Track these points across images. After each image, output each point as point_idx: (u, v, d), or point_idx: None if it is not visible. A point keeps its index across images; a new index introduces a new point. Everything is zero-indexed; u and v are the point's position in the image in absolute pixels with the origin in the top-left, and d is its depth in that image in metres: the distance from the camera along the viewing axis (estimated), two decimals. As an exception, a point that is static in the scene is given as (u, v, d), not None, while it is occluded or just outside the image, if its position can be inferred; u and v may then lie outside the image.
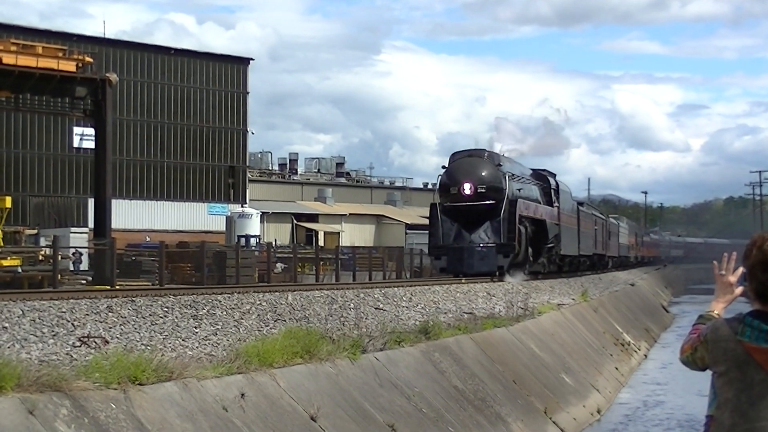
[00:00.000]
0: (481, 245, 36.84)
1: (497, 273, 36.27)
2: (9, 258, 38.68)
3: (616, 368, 29.71)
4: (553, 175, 48.14)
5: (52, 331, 13.72)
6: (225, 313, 17.70)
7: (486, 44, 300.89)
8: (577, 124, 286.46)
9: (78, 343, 12.87)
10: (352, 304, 21.47)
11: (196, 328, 15.72)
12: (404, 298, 24.49)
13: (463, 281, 32.55)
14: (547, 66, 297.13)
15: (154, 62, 70.07)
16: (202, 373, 10.96)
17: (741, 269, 4.86)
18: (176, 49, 72.61)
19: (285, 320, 17.80)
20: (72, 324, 14.51)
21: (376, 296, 23.83)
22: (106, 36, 68.50)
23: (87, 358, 11.05)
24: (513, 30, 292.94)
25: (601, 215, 67.20)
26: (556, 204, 45.87)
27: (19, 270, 37.92)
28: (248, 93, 75.16)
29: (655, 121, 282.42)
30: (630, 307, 45.97)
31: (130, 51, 68.92)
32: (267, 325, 16.96)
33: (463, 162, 38.54)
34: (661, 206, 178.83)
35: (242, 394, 11.08)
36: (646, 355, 36.73)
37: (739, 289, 4.95)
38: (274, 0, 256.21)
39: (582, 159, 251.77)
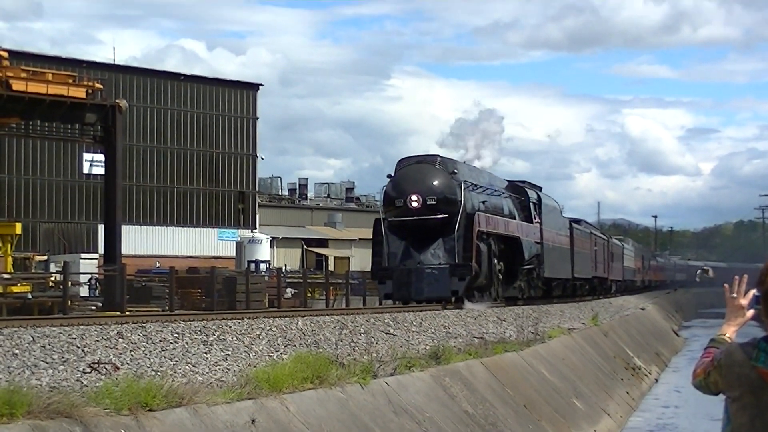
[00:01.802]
0: (432, 267, 32.03)
1: (452, 299, 31.81)
2: (19, 284, 38.76)
3: (627, 392, 29.60)
4: (538, 188, 43.97)
5: (63, 358, 13.71)
6: (235, 338, 17.68)
7: (496, 69, 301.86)
8: (587, 148, 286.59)
9: (88, 369, 12.85)
10: (362, 329, 21.43)
11: (206, 353, 15.69)
12: (414, 323, 24.44)
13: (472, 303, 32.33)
14: (557, 90, 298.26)
15: (164, 88, 70.38)
16: (213, 398, 10.93)
17: (752, 292, 4.83)
18: (185, 75, 73.01)
19: (295, 345, 17.77)
20: (82, 350, 14.50)
21: (386, 321, 23.78)
22: (116, 62, 68.92)
23: (97, 384, 11.03)
24: (523, 54, 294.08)
25: (602, 235, 62.17)
26: (537, 220, 40.86)
27: (29, 296, 37.98)
28: (257, 118, 75.44)
29: (665, 145, 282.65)
30: (640, 332, 45.77)
31: (139, 77, 69.25)
32: (277, 351, 16.92)
33: (411, 170, 33.17)
34: (671, 230, 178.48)
35: (252, 420, 11.03)
36: (657, 380, 36.58)
37: (750, 312, 4.92)
38: (284, 25, 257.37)
39: (592, 183, 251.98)
